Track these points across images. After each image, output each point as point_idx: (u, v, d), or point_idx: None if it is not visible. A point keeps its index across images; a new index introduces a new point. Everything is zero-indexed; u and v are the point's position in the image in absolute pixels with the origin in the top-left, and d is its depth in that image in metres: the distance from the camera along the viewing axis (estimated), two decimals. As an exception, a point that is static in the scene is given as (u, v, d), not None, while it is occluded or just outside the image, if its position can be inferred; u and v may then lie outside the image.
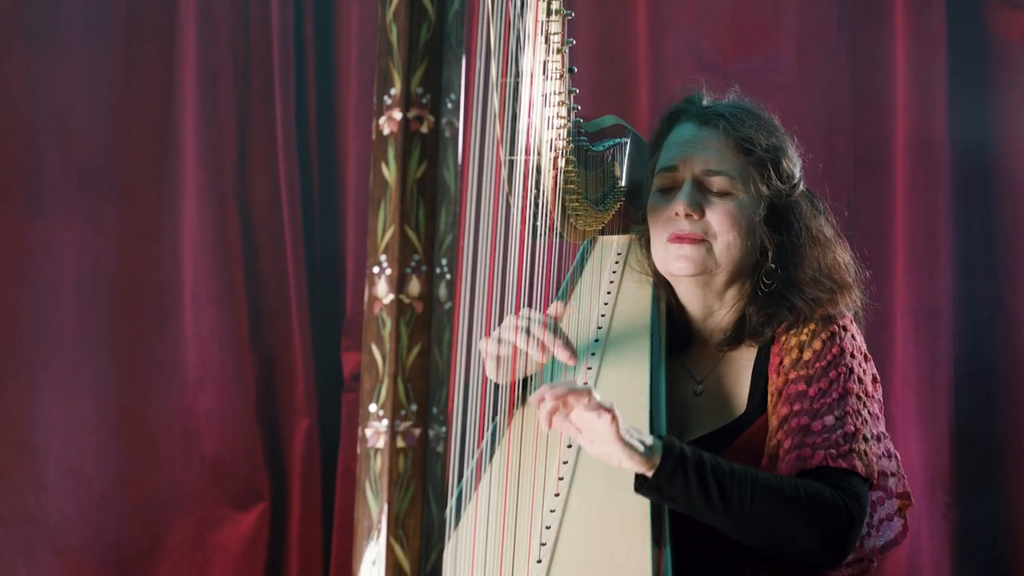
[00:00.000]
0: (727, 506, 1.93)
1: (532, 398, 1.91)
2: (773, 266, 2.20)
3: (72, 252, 3.74)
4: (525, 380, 2.20)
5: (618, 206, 2.39)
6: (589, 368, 2.24)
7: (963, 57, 3.49)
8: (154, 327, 3.76)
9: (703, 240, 2.18)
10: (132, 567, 3.74)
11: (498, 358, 2.13)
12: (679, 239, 2.19)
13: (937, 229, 3.46)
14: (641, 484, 1.93)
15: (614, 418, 1.87)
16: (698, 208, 2.18)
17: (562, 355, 2.08)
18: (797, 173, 2.24)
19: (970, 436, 3.47)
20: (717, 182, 2.18)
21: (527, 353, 2.10)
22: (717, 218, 2.18)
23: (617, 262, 2.46)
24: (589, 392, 1.88)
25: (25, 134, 3.72)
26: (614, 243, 2.50)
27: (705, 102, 2.27)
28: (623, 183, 2.41)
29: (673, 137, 2.25)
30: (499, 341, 2.11)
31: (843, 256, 2.25)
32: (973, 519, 3.46)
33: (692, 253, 2.19)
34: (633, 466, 1.91)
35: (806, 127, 3.42)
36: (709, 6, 3.60)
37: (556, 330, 2.09)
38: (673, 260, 2.21)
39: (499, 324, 2.12)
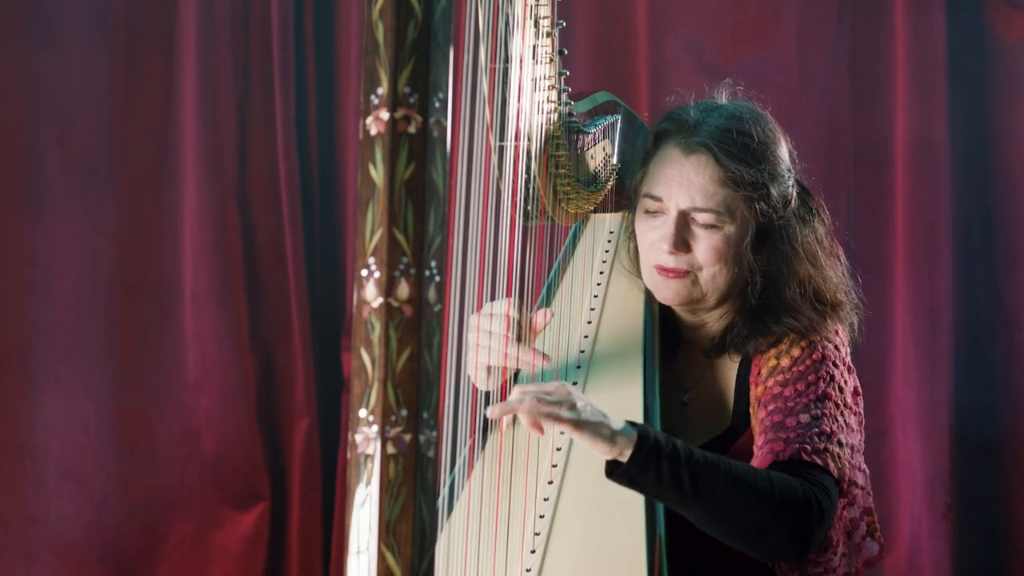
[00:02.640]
0: (696, 494, 1.88)
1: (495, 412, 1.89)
2: (761, 284, 2.17)
3: (72, 252, 3.73)
4: (516, 374, 2.17)
5: (610, 185, 2.36)
6: (582, 351, 2.23)
7: (963, 57, 3.48)
8: (154, 327, 3.76)
9: (688, 272, 2.15)
10: (132, 567, 3.73)
11: (488, 368, 2.12)
12: (664, 271, 2.16)
13: (937, 229, 3.45)
14: (612, 470, 1.89)
15: (566, 422, 1.84)
16: (684, 244, 2.13)
17: (529, 361, 2.07)
18: (788, 192, 2.18)
19: (970, 436, 3.46)
20: (702, 218, 2.13)
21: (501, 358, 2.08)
22: (703, 252, 2.13)
23: (610, 241, 2.43)
24: (535, 406, 1.84)
25: (25, 134, 3.71)
26: (606, 221, 2.47)
27: (692, 118, 2.17)
28: (615, 160, 2.37)
29: (658, 160, 2.18)
30: (476, 347, 2.10)
31: (834, 271, 2.21)
32: (973, 519, 3.45)
33: (677, 286, 2.16)
34: (599, 452, 1.87)
35: (806, 127, 3.43)
36: (709, 6, 3.59)
37: (520, 334, 2.06)
38: (659, 289, 2.19)
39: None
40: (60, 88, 3.73)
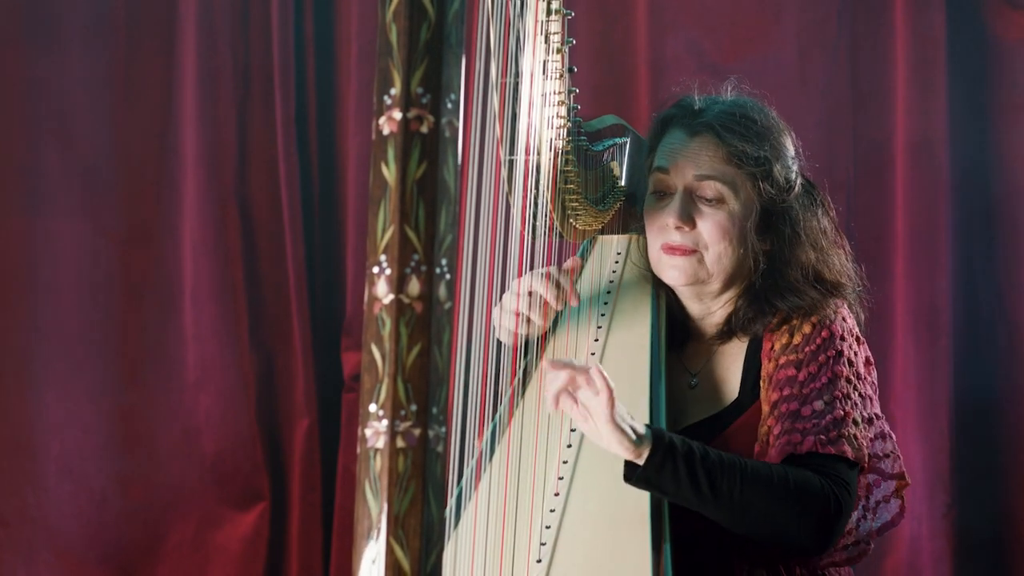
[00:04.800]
0: (716, 496, 1.96)
1: (546, 369, 1.95)
2: (764, 267, 2.21)
3: (72, 252, 3.74)
4: (526, 344, 2.24)
5: (618, 205, 2.40)
6: (592, 353, 2.25)
7: (963, 57, 3.49)
8: (154, 327, 3.76)
9: (694, 251, 2.19)
10: (132, 567, 3.74)
11: (514, 319, 2.21)
12: (671, 250, 2.20)
13: (937, 229, 3.46)
14: (631, 473, 1.96)
15: (610, 397, 1.91)
16: (689, 220, 2.18)
17: (571, 300, 2.20)
18: (792, 177, 2.22)
19: (970, 436, 3.47)
20: (709, 188, 2.17)
21: (536, 314, 2.19)
22: (708, 229, 2.18)
23: (617, 261, 2.46)
24: (590, 370, 1.92)
25: (25, 134, 3.72)
26: (614, 242, 2.50)
27: (697, 105, 2.24)
28: (623, 182, 2.41)
29: (664, 142, 2.24)
30: (510, 307, 2.20)
31: (837, 257, 2.25)
32: (973, 519, 3.46)
33: (683, 264, 2.20)
34: (622, 452, 1.94)
35: (806, 127, 3.42)
36: (709, 6, 3.60)
37: (559, 283, 2.18)
38: (665, 269, 2.23)
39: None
40: (60, 88, 3.73)
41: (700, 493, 1.95)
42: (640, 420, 2.00)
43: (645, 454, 1.93)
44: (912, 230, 3.47)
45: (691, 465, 1.94)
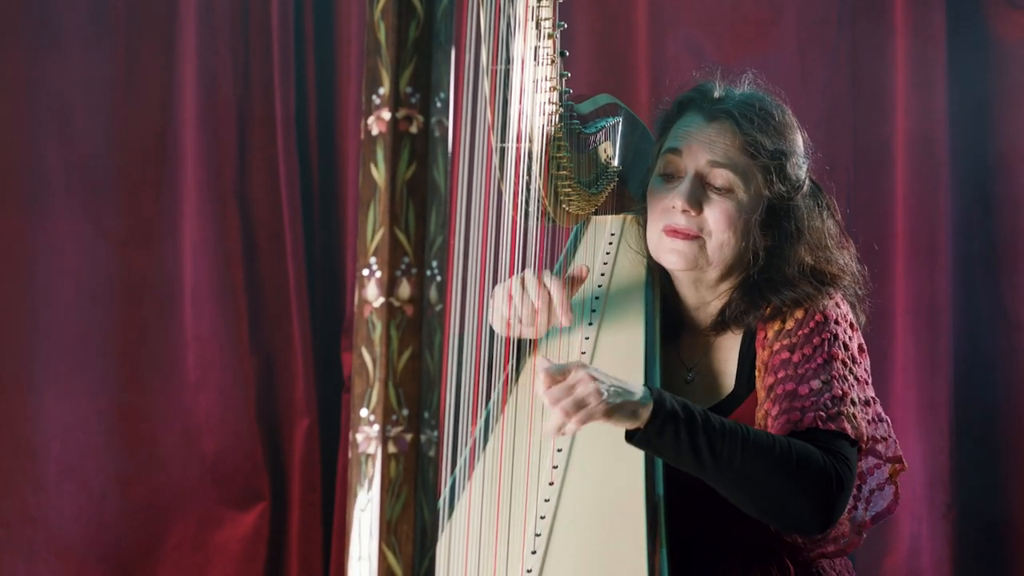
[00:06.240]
0: (716, 463, 1.93)
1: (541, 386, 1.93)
2: (763, 263, 2.20)
3: (72, 252, 3.73)
4: (519, 341, 2.22)
5: (611, 187, 2.38)
6: (587, 338, 2.24)
7: (963, 57, 3.49)
8: (154, 327, 3.76)
9: (697, 236, 2.17)
10: (132, 567, 3.74)
11: (507, 320, 2.18)
12: (673, 232, 2.18)
13: (937, 229, 3.46)
14: (632, 435, 1.94)
15: (590, 418, 1.89)
16: (696, 204, 2.16)
17: (563, 320, 2.14)
18: (802, 175, 2.22)
19: (970, 436, 3.47)
20: (720, 176, 2.16)
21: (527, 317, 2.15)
22: (714, 217, 2.16)
23: (611, 243, 2.44)
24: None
25: (25, 134, 3.71)
26: (607, 223, 2.48)
27: (716, 94, 2.22)
28: (616, 162, 2.39)
29: (680, 124, 2.23)
30: (501, 311, 2.17)
31: (841, 257, 2.24)
32: (973, 519, 3.45)
33: (684, 249, 2.18)
34: (624, 427, 1.94)
35: (806, 127, 3.41)
36: (709, 6, 3.60)
37: (552, 296, 2.13)
38: (665, 252, 2.21)
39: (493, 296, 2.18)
40: (60, 88, 3.73)
41: (700, 460, 1.93)
42: (630, 384, 1.98)
43: (645, 417, 1.91)
44: (912, 230, 3.47)
45: (692, 432, 1.92)
